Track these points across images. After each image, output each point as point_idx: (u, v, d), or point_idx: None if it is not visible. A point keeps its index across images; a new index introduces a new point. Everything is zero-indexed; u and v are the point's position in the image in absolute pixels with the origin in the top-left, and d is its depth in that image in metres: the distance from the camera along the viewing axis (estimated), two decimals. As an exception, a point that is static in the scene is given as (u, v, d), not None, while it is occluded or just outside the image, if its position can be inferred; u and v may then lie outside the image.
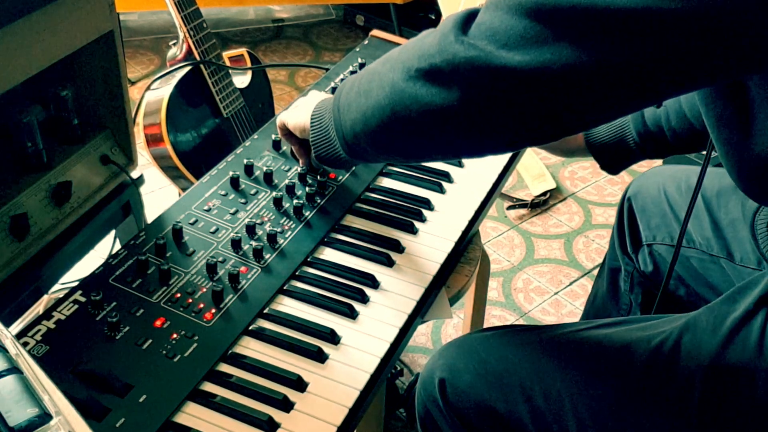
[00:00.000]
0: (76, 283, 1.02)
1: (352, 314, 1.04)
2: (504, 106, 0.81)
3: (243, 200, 1.18)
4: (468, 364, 1.08)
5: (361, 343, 1.01)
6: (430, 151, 0.96)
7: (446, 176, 1.32)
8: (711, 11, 0.70)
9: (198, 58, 1.68)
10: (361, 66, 1.53)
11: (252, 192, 1.20)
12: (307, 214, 1.18)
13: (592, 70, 0.75)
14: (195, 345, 0.95)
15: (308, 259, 1.12)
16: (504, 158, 1.39)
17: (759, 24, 0.71)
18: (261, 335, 0.99)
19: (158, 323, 0.97)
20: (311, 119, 1.08)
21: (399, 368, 1.80)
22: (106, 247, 1.47)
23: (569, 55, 0.75)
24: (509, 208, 2.41)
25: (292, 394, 0.92)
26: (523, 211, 2.41)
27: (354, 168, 1.29)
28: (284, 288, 1.06)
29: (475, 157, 1.34)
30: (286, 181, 1.22)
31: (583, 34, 0.74)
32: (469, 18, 0.83)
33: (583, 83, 0.76)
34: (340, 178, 1.26)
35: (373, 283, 1.09)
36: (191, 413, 0.89)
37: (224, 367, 0.95)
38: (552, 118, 0.81)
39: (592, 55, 0.74)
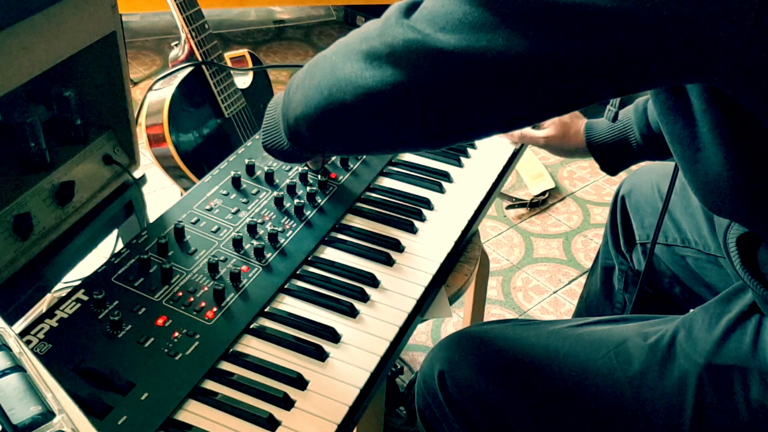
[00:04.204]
0: (79, 282, 1.03)
1: (352, 313, 1.05)
2: (436, 91, 0.80)
3: (244, 200, 1.19)
4: (467, 358, 1.08)
5: (362, 342, 1.01)
6: (363, 139, 0.93)
7: (446, 176, 1.33)
8: (649, 12, 0.70)
9: (200, 59, 1.69)
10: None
11: (253, 191, 1.21)
12: (307, 213, 1.18)
13: (526, 61, 0.74)
14: (196, 343, 0.96)
15: (309, 258, 1.12)
16: (503, 158, 1.39)
17: (695, 28, 0.71)
18: (262, 334, 1.00)
19: (160, 322, 0.98)
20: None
21: (399, 366, 1.80)
22: (108, 246, 1.48)
23: (505, 44, 0.74)
24: (508, 207, 2.41)
25: (292, 392, 0.93)
26: (522, 210, 2.42)
27: (354, 168, 1.30)
28: (285, 287, 1.07)
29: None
30: (287, 181, 1.23)
31: (523, 23, 0.73)
32: (414, 4, 0.83)
33: (515, 73, 0.76)
34: (341, 178, 1.27)
35: (374, 282, 1.10)
36: (193, 411, 0.90)
37: (225, 365, 0.96)
38: (481, 109, 0.80)
39: (529, 46, 0.74)
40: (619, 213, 1.41)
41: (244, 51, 1.88)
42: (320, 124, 0.93)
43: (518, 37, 0.74)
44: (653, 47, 0.72)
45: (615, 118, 1.21)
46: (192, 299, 1.02)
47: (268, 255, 1.10)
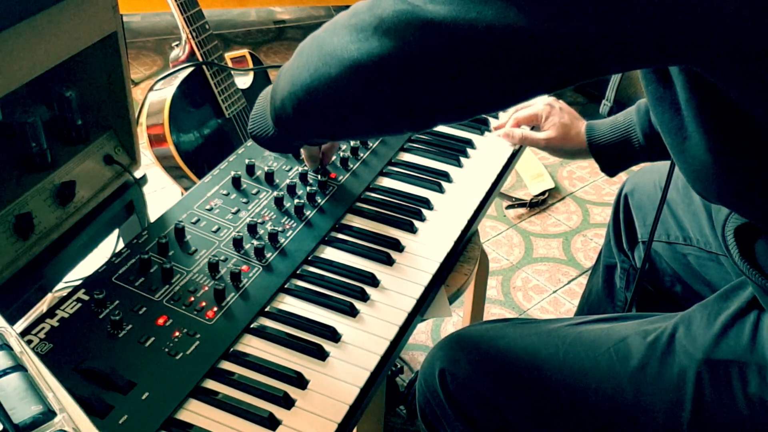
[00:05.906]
0: (80, 282, 1.03)
1: (352, 312, 1.05)
2: (422, 63, 0.78)
3: (244, 200, 1.19)
4: (467, 356, 1.09)
5: (362, 341, 1.02)
6: (347, 118, 0.91)
7: (446, 176, 1.33)
8: None
9: (200, 59, 1.69)
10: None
11: (253, 191, 1.21)
12: (307, 213, 1.19)
13: (515, 34, 0.73)
14: (197, 343, 0.96)
15: (309, 258, 1.12)
16: (503, 158, 1.40)
17: (680, 7, 0.70)
18: (262, 333, 1.00)
19: (161, 321, 0.98)
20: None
21: (399, 366, 1.80)
22: (109, 246, 1.48)
23: (495, 16, 0.73)
24: (508, 207, 2.42)
25: (293, 392, 0.93)
26: (521, 210, 2.42)
27: (354, 168, 1.30)
28: (285, 286, 1.07)
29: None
30: (287, 181, 1.23)
31: None
32: None
33: (503, 46, 0.74)
34: (341, 178, 1.27)
35: (374, 281, 1.10)
36: (193, 410, 0.90)
37: (226, 365, 0.96)
38: (468, 84, 0.79)
39: (518, 19, 0.72)
40: (622, 211, 1.42)
41: (244, 51, 1.88)
42: (305, 103, 0.91)
43: (508, 10, 0.73)
44: (642, 26, 0.71)
45: (610, 112, 1.21)
46: (192, 299, 1.02)
47: (269, 255, 1.10)
